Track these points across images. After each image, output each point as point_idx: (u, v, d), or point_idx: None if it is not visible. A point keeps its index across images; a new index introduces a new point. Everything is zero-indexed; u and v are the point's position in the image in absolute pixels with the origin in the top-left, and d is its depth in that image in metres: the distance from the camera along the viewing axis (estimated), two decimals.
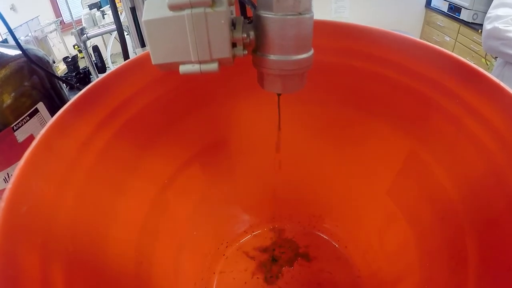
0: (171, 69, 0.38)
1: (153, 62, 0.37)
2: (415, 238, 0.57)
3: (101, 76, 0.47)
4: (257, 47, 0.40)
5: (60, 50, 2.78)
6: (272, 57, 0.39)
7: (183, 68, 0.37)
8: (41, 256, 0.36)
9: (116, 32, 0.77)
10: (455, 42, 3.07)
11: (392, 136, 0.59)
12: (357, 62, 0.56)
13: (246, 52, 0.39)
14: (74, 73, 1.44)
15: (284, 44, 0.38)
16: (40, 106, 0.63)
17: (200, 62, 0.37)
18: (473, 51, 2.81)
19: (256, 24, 0.38)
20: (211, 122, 0.63)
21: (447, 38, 3.18)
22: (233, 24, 0.38)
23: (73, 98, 0.43)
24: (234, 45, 0.38)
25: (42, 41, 2.50)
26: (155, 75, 0.52)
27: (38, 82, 0.65)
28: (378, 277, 0.64)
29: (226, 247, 0.74)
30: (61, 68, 2.12)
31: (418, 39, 0.50)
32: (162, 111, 0.56)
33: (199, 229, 0.68)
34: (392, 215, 0.62)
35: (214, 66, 0.37)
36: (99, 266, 0.45)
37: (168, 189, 0.61)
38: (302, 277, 0.69)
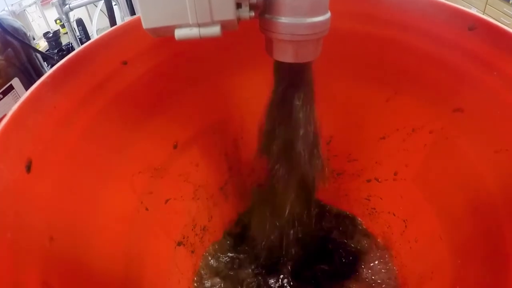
0: (165, 34, 0.37)
1: (144, 26, 0.35)
2: (444, 231, 0.56)
3: (84, 45, 0.45)
4: (266, 8, 0.38)
5: (40, 25, 2.76)
6: (283, 19, 0.37)
7: (179, 33, 0.35)
8: (12, 253, 0.34)
9: (102, 2, 0.75)
10: (483, 15, 3.03)
11: (419, 115, 0.57)
12: (378, 29, 0.54)
13: (252, 14, 0.37)
14: (56, 50, 1.42)
15: (297, 5, 0.36)
16: (16, 82, 0.62)
17: (199, 25, 0.35)
18: (503, 24, 2.77)
19: None
20: (212, 99, 0.61)
21: (474, 10, 3.15)
22: None
23: (51, 70, 0.41)
24: (238, 5, 0.36)
25: (20, 16, 2.48)
26: (147, 43, 0.50)
27: (13, 56, 0.63)
28: (401, 274, 0.64)
29: None
30: (41, 46, 2.10)
31: (448, 3, 0.48)
32: (155, 86, 0.54)
33: (199, 223, 0.67)
34: (418, 205, 0.61)
35: (215, 30, 0.35)
36: (82, 266, 0.44)
37: (162, 175, 0.59)
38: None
